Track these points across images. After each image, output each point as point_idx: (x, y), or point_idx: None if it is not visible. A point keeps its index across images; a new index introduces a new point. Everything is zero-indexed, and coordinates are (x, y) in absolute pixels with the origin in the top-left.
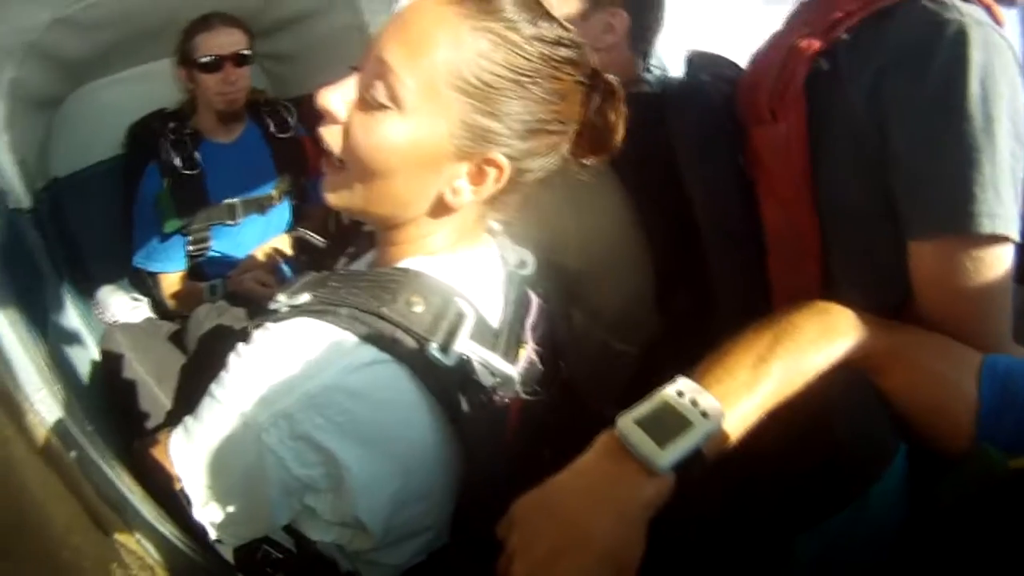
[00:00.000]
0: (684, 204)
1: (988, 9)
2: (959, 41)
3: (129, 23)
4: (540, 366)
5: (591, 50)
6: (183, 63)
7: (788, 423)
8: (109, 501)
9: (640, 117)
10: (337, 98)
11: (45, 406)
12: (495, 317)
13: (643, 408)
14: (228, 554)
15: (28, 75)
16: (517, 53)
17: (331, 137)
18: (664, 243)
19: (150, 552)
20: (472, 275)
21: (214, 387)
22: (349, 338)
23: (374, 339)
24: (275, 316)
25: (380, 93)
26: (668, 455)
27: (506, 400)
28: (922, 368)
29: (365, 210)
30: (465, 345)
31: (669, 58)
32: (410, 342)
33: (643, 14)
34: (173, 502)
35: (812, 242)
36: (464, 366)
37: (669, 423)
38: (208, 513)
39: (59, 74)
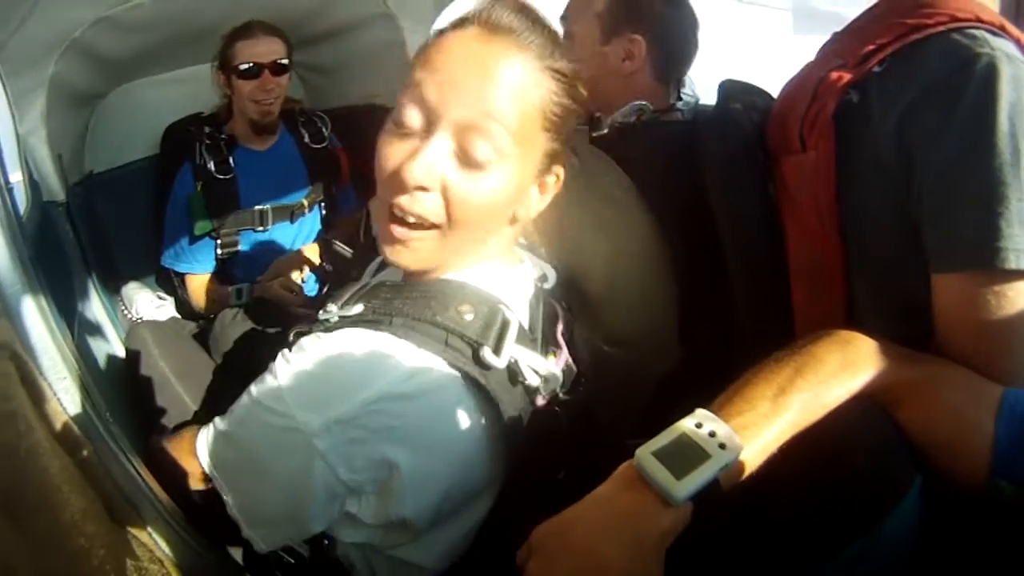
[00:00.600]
0: (711, 232)
1: (1019, 43)
2: (989, 76)
3: (171, 26)
4: (575, 369)
5: (617, 77)
6: (222, 68)
7: (806, 452)
8: (124, 493)
9: (671, 145)
10: (429, 171)
11: (68, 395)
12: (531, 325)
13: (661, 439)
14: (238, 554)
15: (68, 71)
16: (572, 84)
17: (426, 206)
18: (689, 270)
19: (160, 546)
20: (509, 286)
21: (256, 390)
22: (404, 346)
23: (429, 346)
24: (326, 325)
25: (483, 151)
26: (685, 487)
27: (546, 401)
28: (940, 402)
29: (451, 259)
30: (512, 349)
31: (702, 87)
32: (463, 347)
33: (665, 41)
34: (185, 499)
35: (836, 272)
36: (512, 368)
37: (687, 454)
38: (243, 513)
39: (99, 72)
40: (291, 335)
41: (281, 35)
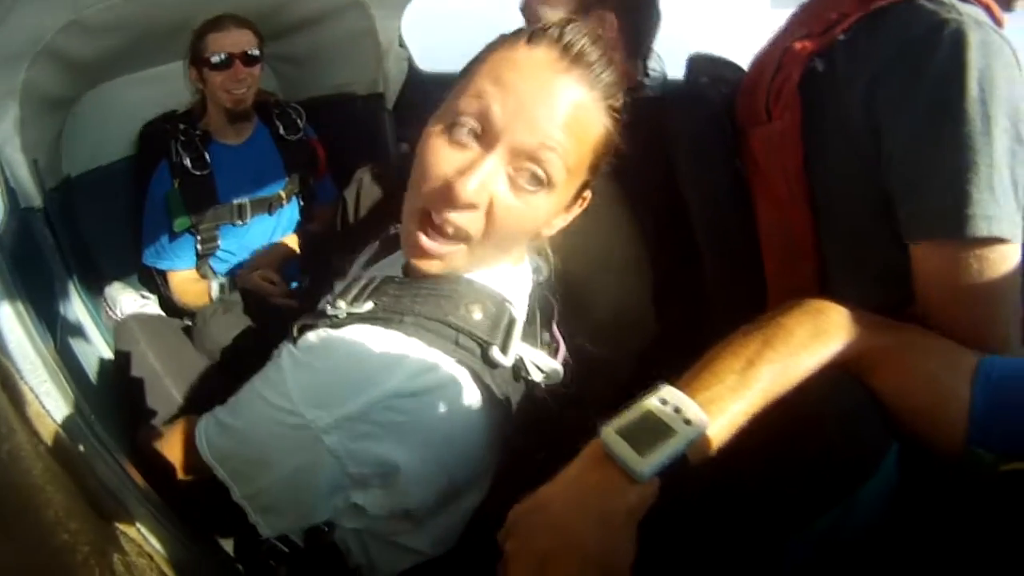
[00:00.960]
0: (681, 207)
1: (988, 9)
2: (957, 42)
3: (141, 26)
4: (572, 363)
5: None
6: (194, 63)
7: (777, 422)
8: (110, 490)
9: (639, 121)
10: (480, 189)
11: (50, 398)
12: (530, 320)
13: (626, 416)
14: (229, 546)
15: (40, 77)
16: (620, 122)
17: (470, 222)
18: (661, 247)
19: (149, 541)
20: (513, 284)
21: (261, 385)
22: (415, 344)
23: (438, 344)
24: (333, 321)
25: (536, 178)
26: (648, 463)
27: (547, 395)
28: (915, 369)
29: (476, 267)
30: (518, 346)
31: (672, 62)
32: (472, 346)
33: (634, 17)
34: (175, 491)
35: (807, 242)
36: (517, 365)
37: (651, 431)
38: (249, 501)
39: (71, 76)
40: (295, 328)
41: (251, 27)
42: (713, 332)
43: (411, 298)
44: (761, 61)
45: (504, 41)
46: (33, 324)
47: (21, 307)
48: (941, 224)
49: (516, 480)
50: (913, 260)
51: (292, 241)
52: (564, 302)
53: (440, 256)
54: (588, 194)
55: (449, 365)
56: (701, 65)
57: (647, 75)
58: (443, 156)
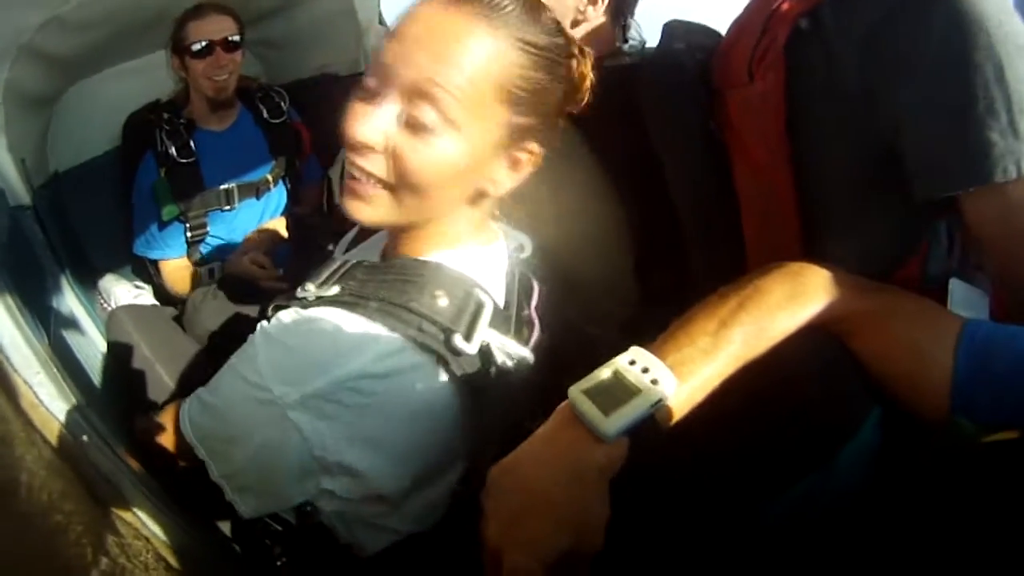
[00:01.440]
0: (659, 174)
1: None
2: None
3: (119, 20)
4: (546, 343)
5: (571, 22)
6: (175, 52)
7: (753, 383)
8: (104, 476)
9: (614, 89)
10: (372, 131)
11: (43, 388)
12: (506, 303)
13: (594, 377)
14: (226, 527)
15: (22, 76)
16: (547, 59)
17: (373, 165)
18: (640, 214)
19: (145, 524)
20: (485, 265)
21: (236, 362)
22: (379, 329)
23: (401, 330)
24: (303, 303)
25: (427, 116)
26: (613, 423)
27: (520, 380)
28: (897, 335)
29: (407, 221)
30: (485, 333)
31: (651, 31)
32: (436, 332)
33: None
34: (171, 475)
35: (788, 204)
36: (485, 352)
37: (618, 391)
38: (225, 480)
39: (53, 72)
40: (270, 308)
41: (231, 12)
42: (695, 298)
43: (377, 283)
44: (742, 24)
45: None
46: (25, 319)
47: (12, 302)
48: (968, 173)
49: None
50: (964, 214)
51: (280, 224)
52: (549, 278)
53: (360, 195)
54: (535, 147)
55: (413, 350)
56: (676, 31)
57: (625, 42)
58: (352, 109)
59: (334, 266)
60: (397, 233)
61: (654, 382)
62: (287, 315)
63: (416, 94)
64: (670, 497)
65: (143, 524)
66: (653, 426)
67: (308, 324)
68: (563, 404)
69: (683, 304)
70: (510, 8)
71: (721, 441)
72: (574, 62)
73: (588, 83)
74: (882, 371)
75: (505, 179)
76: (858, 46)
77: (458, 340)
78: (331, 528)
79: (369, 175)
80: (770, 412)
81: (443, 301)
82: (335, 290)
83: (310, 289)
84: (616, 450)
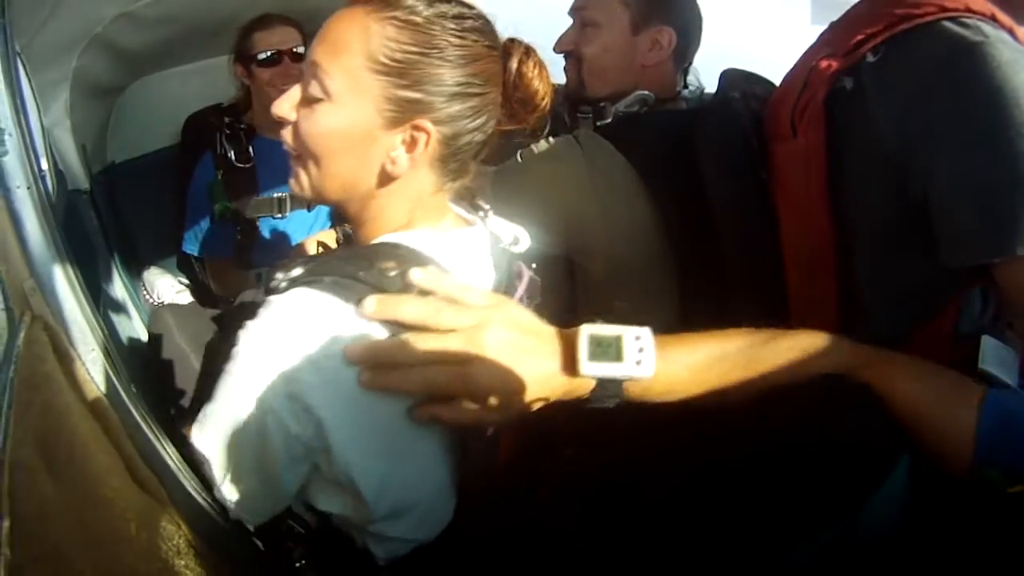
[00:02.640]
0: (707, 217)
1: (1011, 32)
2: (991, 63)
3: (188, 20)
4: None
5: (639, 66)
6: (240, 60)
7: (782, 422)
8: (145, 458)
9: (672, 133)
10: (286, 105)
11: (96, 365)
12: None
13: (606, 329)
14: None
15: (91, 65)
16: (421, 31)
17: (287, 136)
18: (687, 255)
19: (180, 510)
20: (453, 250)
21: (228, 365)
22: (333, 302)
23: (354, 300)
24: (276, 292)
25: (315, 89)
26: (588, 367)
27: None
28: (921, 388)
29: (321, 191)
30: None
31: (710, 77)
32: None
33: (688, 32)
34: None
35: (828, 257)
36: None
37: (610, 349)
38: (228, 492)
39: (120, 65)
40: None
41: (296, 25)
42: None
43: (335, 261)
44: (789, 78)
45: None
46: (84, 296)
47: (74, 278)
48: (998, 245)
49: (491, 464)
50: (995, 279)
51: (330, 236)
52: (584, 298)
53: (292, 172)
54: (429, 127)
55: (365, 322)
56: (733, 80)
57: (686, 87)
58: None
59: (302, 256)
60: (354, 226)
61: (638, 362)
62: (262, 308)
63: (309, 74)
64: (700, 537)
65: (177, 511)
66: (618, 392)
67: (276, 312)
68: (574, 329)
69: None
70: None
71: (749, 486)
72: (513, 62)
73: (538, 91)
74: (905, 421)
75: (403, 158)
76: (897, 110)
77: None
78: (347, 534)
79: (288, 146)
80: (798, 453)
81: (392, 271)
82: (298, 271)
83: (279, 276)
84: (581, 385)
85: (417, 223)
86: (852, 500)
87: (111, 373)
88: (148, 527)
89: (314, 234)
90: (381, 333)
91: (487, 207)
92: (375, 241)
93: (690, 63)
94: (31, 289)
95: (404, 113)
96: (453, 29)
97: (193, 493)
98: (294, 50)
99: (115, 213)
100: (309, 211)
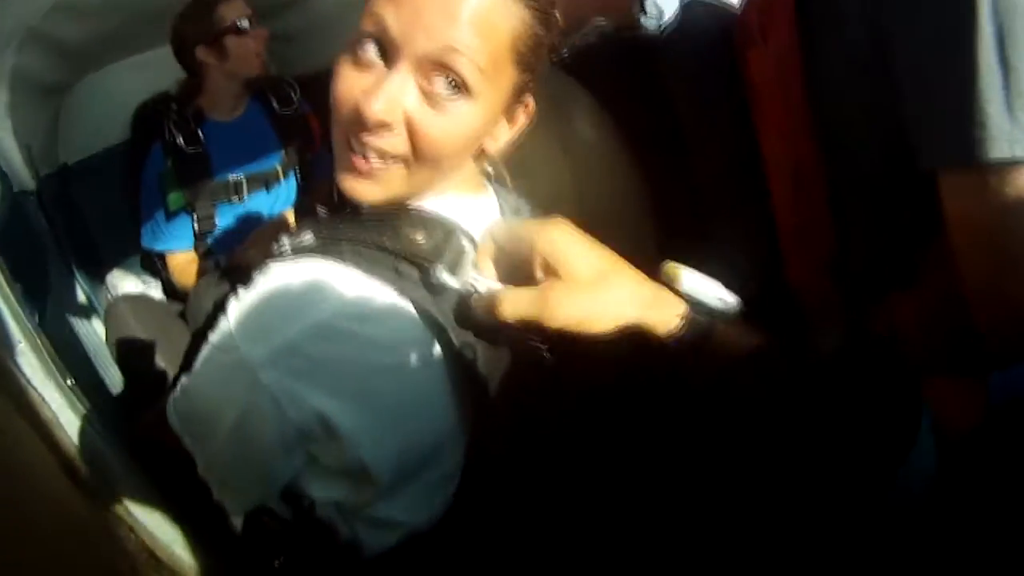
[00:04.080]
0: (680, 148)
1: None
2: None
3: (128, 9)
4: None
5: None
6: (205, 42)
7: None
8: (87, 456)
9: (635, 59)
10: (390, 108)
11: (24, 358)
12: None
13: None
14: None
15: (29, 61)
16: (544, 12)
17: (390, 143)
18: (662, 191)
19: (137, 517)
20: (470, 214)
21: (211, 334)
22: (352, 273)
23: (377, 272)
24: (279, 259)
25: (449, 87)
26: (689, 279)
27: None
28: None
29: (419, 193)
30: (470, 274)
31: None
32: (413, 272)
33: None
34: (171, 475)
35: (813, 170)
36: (469, 291)
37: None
38: (210, 473)
39: (61, 60)
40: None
41: None
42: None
43: (351, 226)
44: None
45: None
46: (11, 289)
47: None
48: (958, 149)
49: (505, 445)
50: (941, 195)
51: (290, 216)
52: None
53: (374, 177)
54: (531, 102)
55: (388, 294)
56: (695, 4)
57: (644, 12)
58: (350, 80)
59: (310, 221)
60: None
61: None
62: (260, 273)
63: (434, 64)
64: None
65: (127, 513)
66: (710, 326)
67: (276, 277)
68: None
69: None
70: None
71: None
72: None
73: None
74: None
75: (504, 134)
76: (864, 5)
77: (439, 272)
78: (330, 525)
79: (384, 153)
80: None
81: (421, 239)
82: (308, 238)
83: (285, 243)
84: (678, 310)
85: (449, 188)
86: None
87: (40, 367)
88: (86, 529)
89: (275, 215)
90: (407, 308)
91: (500, 171)
92: (393, 206)
93: None
94: None
95: (522, 95)
96: (553, 5)
97: (147, 495)
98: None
99: (71, 215)
100: (269, 192)
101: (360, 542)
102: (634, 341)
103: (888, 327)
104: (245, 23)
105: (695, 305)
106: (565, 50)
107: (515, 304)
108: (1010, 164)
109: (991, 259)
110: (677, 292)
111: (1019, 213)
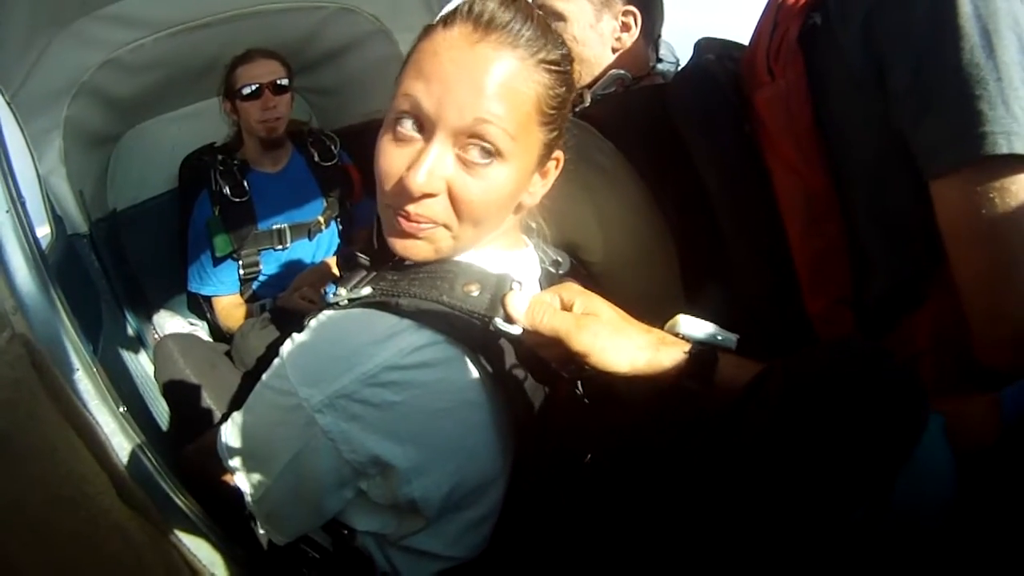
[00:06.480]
0: (700, 187)
1: None
2: None
3: (174, 64)
4: None
5: (612, 51)
6: (227, 96)
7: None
8: (140, 483)
9: (651, 106)
10: (431, 179)
11: (81, 384)
12: None
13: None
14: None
15: (83, 113)
16: (563, 72)
17: (434, 210)
18: (684, 231)
19: (182, 540)
20: (512, 267)
21: (266, 374)
22: (408, 324)
23: (434, 324)
24: (335, 307)
25: (482, 154)
26: (689, 325)
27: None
28: None
29: (464, 249)
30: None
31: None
32: (471, 324)
33: (650, 6)
34: (216, 500)
35: (827, 204)
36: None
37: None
38: (258, 505)
39: (111, 112)
40: (306, 321)
41: (278, 57)
42: (740, 306)
43: (408, 281)
44: (760, 24)
45: (426, 31)
46: (70, 320)
47: (58, 303)
48: (956, 149)
49: (547, 480)
50: (936, 202)
51: (332, 263)
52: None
53: (423, 235)
54: (560, 155)
55: (444, 344)
56: (707, 46)
57: (659, 61)
58: (392, 155)
59: (364, 272)
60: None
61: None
62: (315, 319)
63: (467, 133)
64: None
65: (170, 530)
66: (711, 357)
67: (334, 324)
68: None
69: (728, 316)
70: (526, 31)
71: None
72: (574, 68)
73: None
74: None
75: (539, 188)
76: (861, 29)
77: (500, 322)
78: (367, 555)
79: (431, 220)
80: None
81: (475, 291)
82: (367, 291)
83: (342, 294)
84: (681, 352)
85: (488, 243)
86: (880, 470)
87: (96, 394)
88: (131, 541)
89: (319, 262)
90: (460, 356)
91: (537, 226)
92: (445, 260)
93: (659, 36)
94: (12, 308)
95: (551, 151)
96: (571, 63)
97: (192, 518)
98: (277, 82)
99: (119, 259)
100: (311, 240)
101: (398, 572)
102: (649, 380)
103: (903, 350)
104: (248, 90)
105: (697, 343)
106: (587, 101)
107: (550, 314)
108: (1009, 158)
109: (990, 258)
110: (678, 335)
111: (1018, 207)
